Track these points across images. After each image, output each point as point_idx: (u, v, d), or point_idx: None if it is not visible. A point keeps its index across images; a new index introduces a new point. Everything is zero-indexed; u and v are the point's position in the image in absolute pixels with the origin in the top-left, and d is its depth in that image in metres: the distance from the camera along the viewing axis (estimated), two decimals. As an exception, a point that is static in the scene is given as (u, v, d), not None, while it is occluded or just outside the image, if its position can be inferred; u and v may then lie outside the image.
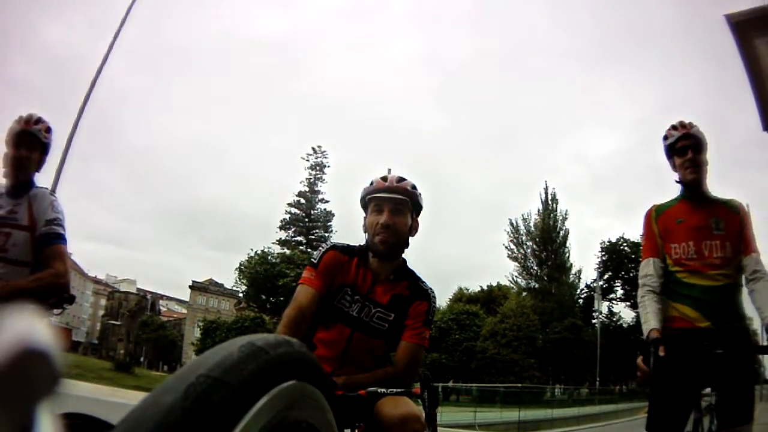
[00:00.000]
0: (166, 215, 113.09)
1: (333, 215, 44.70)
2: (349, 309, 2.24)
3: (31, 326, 0.44)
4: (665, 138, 2.83)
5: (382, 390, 1.86)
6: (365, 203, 2.33)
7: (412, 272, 2.35)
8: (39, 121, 2.53)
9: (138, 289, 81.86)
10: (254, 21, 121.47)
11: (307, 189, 45.09)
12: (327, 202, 45.18)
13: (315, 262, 2.26)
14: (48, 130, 2.57)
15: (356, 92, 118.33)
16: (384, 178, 2.31)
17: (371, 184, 2.31)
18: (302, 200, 44.74)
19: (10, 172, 2.49)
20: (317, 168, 45.54)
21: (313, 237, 43.61)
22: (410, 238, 2.32)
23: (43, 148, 2.57)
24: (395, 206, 2.24)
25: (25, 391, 0.43)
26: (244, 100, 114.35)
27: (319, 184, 45.53)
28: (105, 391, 16.14)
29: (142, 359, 56.65)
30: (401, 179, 2.30)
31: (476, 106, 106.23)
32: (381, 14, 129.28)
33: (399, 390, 1.88)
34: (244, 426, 0.69)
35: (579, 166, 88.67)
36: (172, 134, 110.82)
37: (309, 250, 39.88)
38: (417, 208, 2.34)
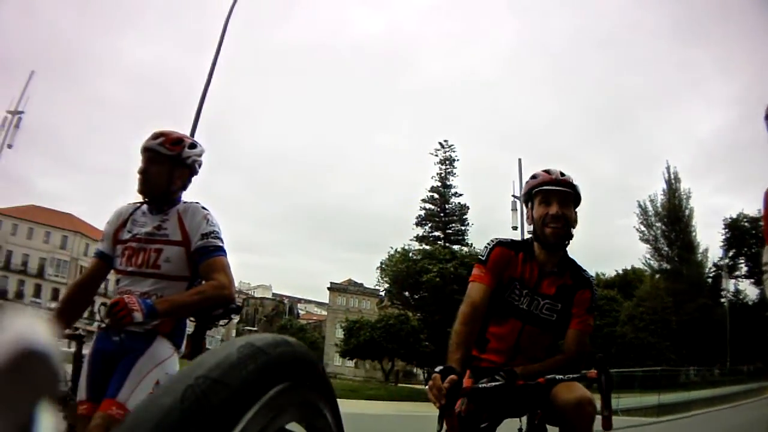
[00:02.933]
0: (294, 220, 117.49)
1: (468, 208, 44.18)
2: (519, 303, 2.33)
3: (31, 326, 0.44)
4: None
5: (560, 377, 1.96)
6: (530, 196, 2.39)
7: (573, 261, 2.41)
8: (160, 135, 2.51)
9: (274, 294, 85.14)
10: (352, 23, 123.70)
11: (439, 184, 44.80)
12: (460, 195, 44.70)
13: (483, 259, 2.36)
14: (175, 142, 2.51)
15: (467, 85, 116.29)
16: (548, 171, 2.38)
17: (534, 177, 2.40)
18: (435, 195, 44.37)
19: (138, 187, 2.50)
20: (447, 162, 45.20)
21: (450, 231, 43.15)
22: (573, 230, 2.37)
23: (175, 164, 2.51)
24: (563, 198, 2.31)
25: (25, 391, 0.43)
26: (355, 102, 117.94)
27: (451, 178, 45.17)
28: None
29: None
30: (563, 173, 2.37)
31: (577, 91, 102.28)
32: (477, 5, 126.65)
33: (575, 375, 1.96)
34: (243, 427, 0.69)
35: (690, 145, 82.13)
36: (290, 140, 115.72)
37: (447, 244, 39.55)
38: (577, 200, 2.39)
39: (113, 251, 2.52)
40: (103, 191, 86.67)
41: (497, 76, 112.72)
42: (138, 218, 2.52)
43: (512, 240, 2.47)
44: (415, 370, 51.31)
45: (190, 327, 2.49)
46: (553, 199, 2.30)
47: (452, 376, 1.91)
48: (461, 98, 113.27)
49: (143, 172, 2.48)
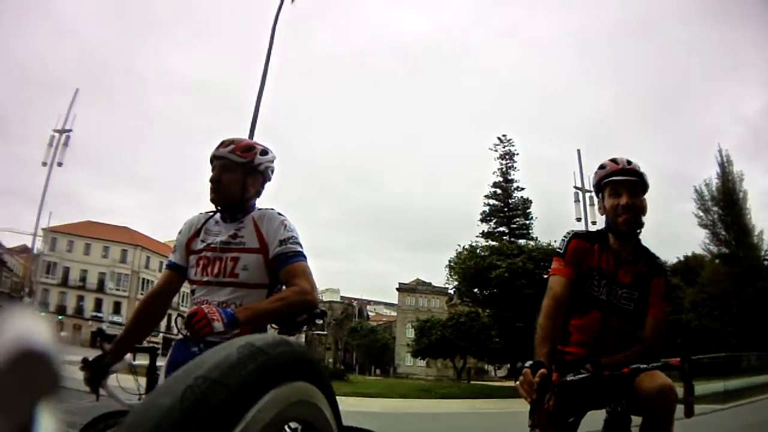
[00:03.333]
0: (359, 223, 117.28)
1: (531, 202, 43.97)
2: (599, 293, 2.36)
3: (31, 326, 0.44)
4: None
5: (644, 366, 1.99)
6: (600, 187, 2.43)
7: (646, 249, 2.44)
8: (231, 143, 2.49)
9: (342, 297, 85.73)
10: (401, 22, 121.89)
11: (500, 179, 44.68)
12: (522, 189, 44.46)
13: (561, 252, 2.39)
14: (246, 149, 2.48)
15: (515, 78, 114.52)
16: (614, 161, 2.41)
17: (602, 167, 2.43)
18: (498, 191, 44.29)
19: (211, 196, 2.48)
20: (507, 157, 45.10)
21: (514, 226, 42.99)
22: (643, 217, 2.39)
23: (248, 171, 2.48)
24: (631, 187, 2.34)
25: (25, 391, 0.43)
26: (411, 100, 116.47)
27: (512, 172, 44.99)
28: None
29: (354, 365, 59.06)
30: (630, 162, 2.39)
31: (623, 79, 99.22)
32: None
33: (658, 363, 1.98)
34: (243, 428, 0.68)
35: (737, 126, 78.54)
36: (346, 142, 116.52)
37: (512, 239, 39.42)
38: (645, 188, 2.40)
39: (186, 262, 2.52)
40: (159, 203, 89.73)
41: (543, 69, 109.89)
42: (211, 227, 2.51)
43: (587, 231, 2.53)
44: (486, 366, 50.76)
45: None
46: (622, 189, 2.34)
47: (542, 371, 1.93)
48: (512, 91, 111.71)
49: (215, 181, 2.45)
